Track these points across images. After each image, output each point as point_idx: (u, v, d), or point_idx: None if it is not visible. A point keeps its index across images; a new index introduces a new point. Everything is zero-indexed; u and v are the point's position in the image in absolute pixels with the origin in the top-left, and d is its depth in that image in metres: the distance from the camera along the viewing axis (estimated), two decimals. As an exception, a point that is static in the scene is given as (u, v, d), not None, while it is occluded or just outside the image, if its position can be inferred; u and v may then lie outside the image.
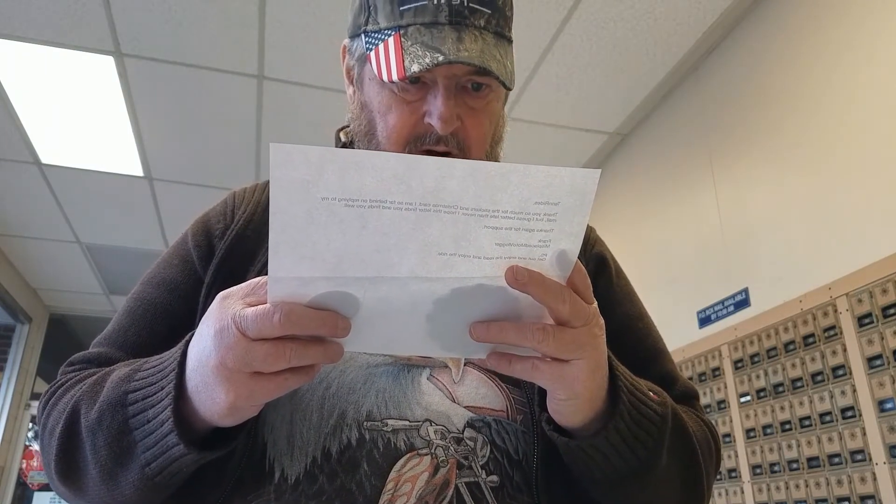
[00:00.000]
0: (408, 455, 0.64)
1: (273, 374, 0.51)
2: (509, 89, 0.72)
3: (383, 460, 0.63)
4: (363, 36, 0.74)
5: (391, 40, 0.70)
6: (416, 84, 0.71)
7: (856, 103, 1.94)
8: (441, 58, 0.67)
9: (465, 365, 0.72)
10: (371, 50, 0.72)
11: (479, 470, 0.65)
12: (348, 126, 0.83)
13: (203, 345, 0.53)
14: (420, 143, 0.72)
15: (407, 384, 0.68)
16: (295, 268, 0.48)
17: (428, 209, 0.47)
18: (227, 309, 0.51)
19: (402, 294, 0.51)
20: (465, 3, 0.70)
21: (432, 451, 0.65)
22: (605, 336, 0.58)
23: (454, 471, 0.64)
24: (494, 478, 0.65)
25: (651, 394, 0.65)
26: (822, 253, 1.99)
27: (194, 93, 2.92)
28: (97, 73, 2.79)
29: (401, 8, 0.70)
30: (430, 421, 0.66)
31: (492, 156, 0.79)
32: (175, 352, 0.58)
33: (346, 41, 0.80)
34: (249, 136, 3.23)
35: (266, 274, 0.72)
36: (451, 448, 0.65)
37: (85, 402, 0.62)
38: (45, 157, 3.39)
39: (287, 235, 0.46)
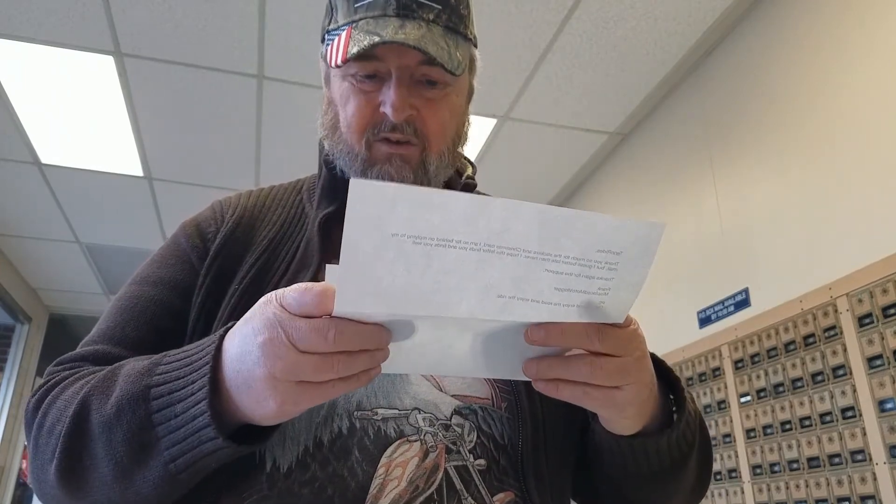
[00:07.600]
0: (398, 441, 0.66)
1: (320, 382, 0.52)
2: (451, 73, 0.75)
3: (374, 447, 0.65)
4: (326, 36, 0.80)
5: (343, 33, 0.76)
6: (374, 78, 0.76)
7: (856, 103, 1.94)
8: (377, 38, 0.72)
9: None
10: (329, 45, 0.78)
11: (467, 454, 0.67)
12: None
13: (248, 349, 0.53)
14: (377, 131, 0.77)
15: (395, 375, 0.70)
16: (359, 303, 0.49)
17: (492, 250, 0.49)
18: (278, 319, 0.51)
19: (457, 326, 0.53)
20: None
21: (421, 437, 0.66)
22: (647, 353, 0.60)
23: (443, 455, 0.66)
24: (482, 461, 0.68)
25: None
26: (822, 253, 1.99)
27: (194, 93, 2.92)
28: (97, 73, 2.79)
29: (355, 5, 0.76)
30: (419, 409, 0.68)
31: (453, 152, 0.82)
32: (208, 346, 0.57)
33: (322, 47, 0.84)
34: (249, 136, 3.23)
35: (253, 274, 0.76)
36: (440, 434, 0.67)
37: (97, 398, 0.61)
38: (45, 157, 3.39)
39: (355, 270, 0.47)
